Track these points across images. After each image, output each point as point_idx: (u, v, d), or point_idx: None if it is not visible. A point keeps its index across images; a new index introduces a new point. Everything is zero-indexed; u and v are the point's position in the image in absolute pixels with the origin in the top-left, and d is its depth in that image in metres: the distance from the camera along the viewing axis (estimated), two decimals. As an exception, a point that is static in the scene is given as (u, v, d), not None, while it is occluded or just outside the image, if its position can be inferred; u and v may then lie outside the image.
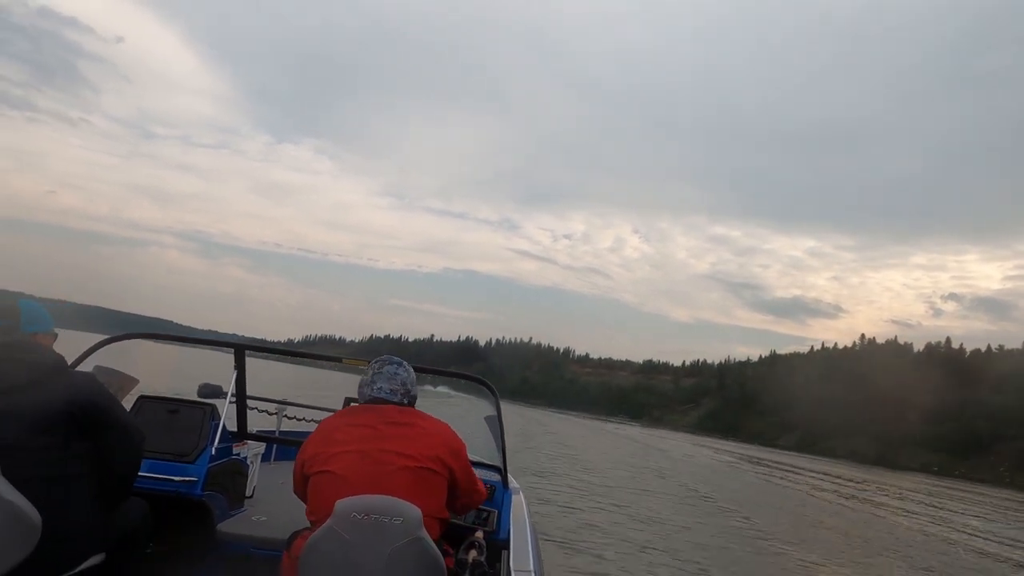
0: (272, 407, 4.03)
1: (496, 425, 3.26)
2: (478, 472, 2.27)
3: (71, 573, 1.89)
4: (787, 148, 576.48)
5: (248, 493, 3.12)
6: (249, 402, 3.45)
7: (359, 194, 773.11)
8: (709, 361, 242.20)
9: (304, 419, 4.14)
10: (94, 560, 1.96)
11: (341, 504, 1.74)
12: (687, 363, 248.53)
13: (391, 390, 2.10)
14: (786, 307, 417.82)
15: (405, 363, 2.21)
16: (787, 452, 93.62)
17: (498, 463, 3.28)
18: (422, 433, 2.02)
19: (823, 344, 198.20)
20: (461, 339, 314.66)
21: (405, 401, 2.13)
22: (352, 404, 2.42)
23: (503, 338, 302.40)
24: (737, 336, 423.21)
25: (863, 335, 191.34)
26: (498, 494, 3.10)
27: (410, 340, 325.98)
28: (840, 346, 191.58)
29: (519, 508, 3.01)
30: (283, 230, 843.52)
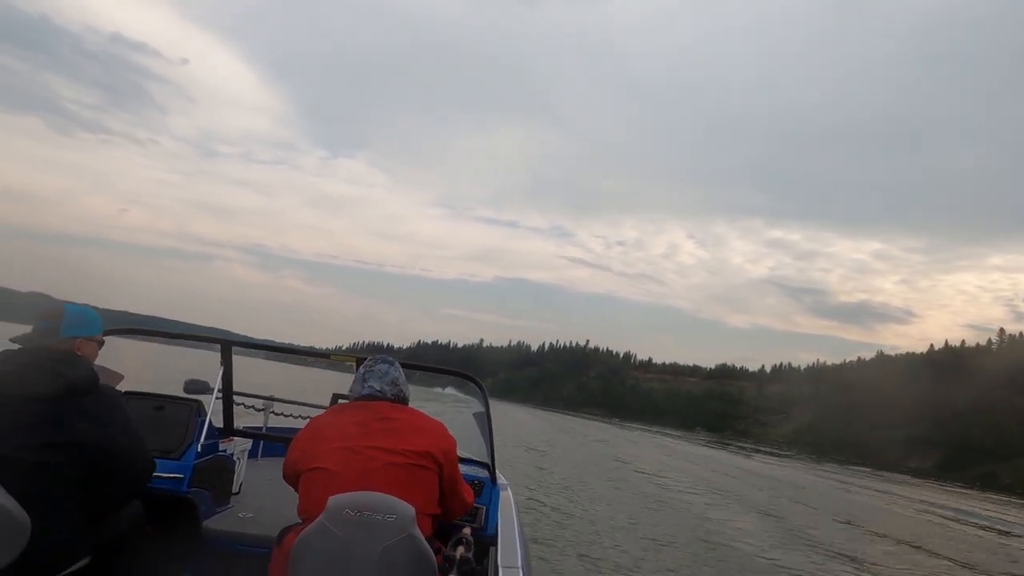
0: (259, 403, 3.96)
1: (484, 421, 3.25)
2: (467, 469, 2.29)
3: None
4: (849, 146, 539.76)
5: (235, 490, 3.09)
6: (236, 398, 3.43)
7: (411, 205, 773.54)
8: (794, 364, 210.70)
9: (291, 415, 4.14)
10: (82, 562, 1.93)
11: (334, 500, 1.72)
12: (766, 367, 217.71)
13: (382, 388, 2.12)
14: (851, 312, 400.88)
15: (396, 362, 2.25)
16: (959, 488, 64.57)
17: (486, 459, 3.26)
18: (412, 429, 2.02)
19: (946, 342, 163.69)
20: (512, 344, 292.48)
21: (396, 400, 2.14)
22: (341, 401, 2.46)
23: (557, 342, 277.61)
24: (799, 342, 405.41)
25: (1002, 330, 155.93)
26: (486, 490, 3.07)
27: (459, 345, 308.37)
28: (970, 343, 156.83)
29: (507, 504, 2.99)
30: (339, 242, 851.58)
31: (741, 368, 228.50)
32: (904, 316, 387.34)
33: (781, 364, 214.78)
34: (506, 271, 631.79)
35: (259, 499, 3.09)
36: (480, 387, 3.31)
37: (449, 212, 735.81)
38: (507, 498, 3.06)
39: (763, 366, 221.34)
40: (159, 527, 2.40)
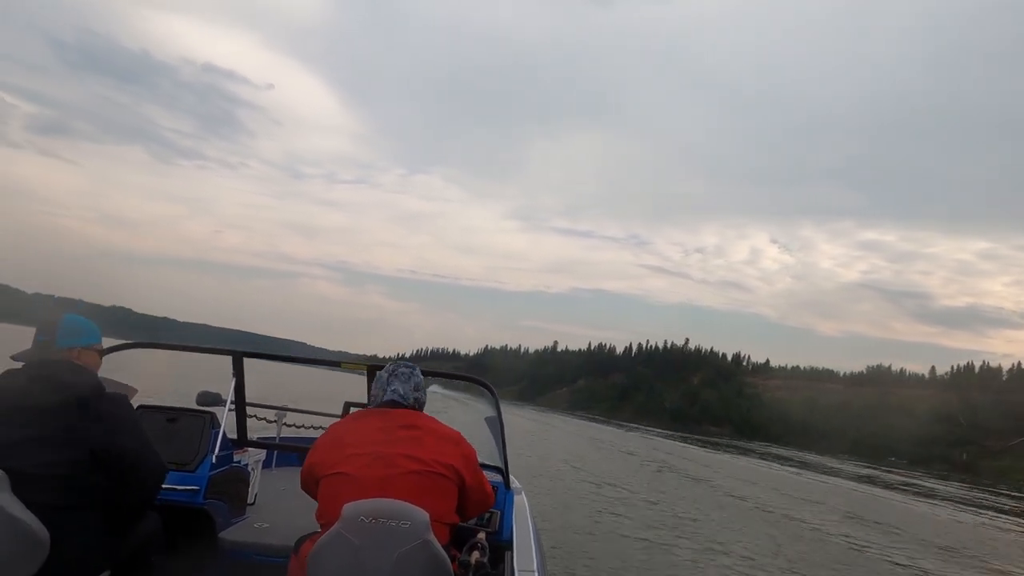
0: (272, 414, 3.97)
1: (496, 426, 3.28)
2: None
3: None
4: (949, 138, 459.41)
5: (250, 500, 3.12)
6: (248, 409, 3.45)
7: (487, 218, 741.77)
8: (989, 364, 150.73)
9: (304, 425, 4.20)
10: None
11: (349, 508, 1.73)
12: (938, 370, 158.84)
13: (404, 393, 2.12)
14: (958, 317, 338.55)
15: (417, 368, 2.25)
16: None
17: (499, 464, 3.30)
18: (436, 438, 2.03)
19: None
20: (592, 347, 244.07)
21: (416, 405, 2.15)
22: (352, 409, 2.53)
23: (647, 343, 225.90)
24: (898, 350, 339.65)
25: None
26: (500, 495, 3.07)
27: (530, 351, 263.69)
28: None
29: (521, 509, 3.01)
30: (417, 257, 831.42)
31: (901, 371, 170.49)
32: (1020, 321, 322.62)
33: (963, 364, 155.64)
34: (583, 281, 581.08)
35: (274, 509, 3.13)
36: (492, 392, 3.36)
37: (524, 224, 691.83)
38: (521, 502, 3.07)
39: (933, 368, 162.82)
40: (176, 539, 2.42)
